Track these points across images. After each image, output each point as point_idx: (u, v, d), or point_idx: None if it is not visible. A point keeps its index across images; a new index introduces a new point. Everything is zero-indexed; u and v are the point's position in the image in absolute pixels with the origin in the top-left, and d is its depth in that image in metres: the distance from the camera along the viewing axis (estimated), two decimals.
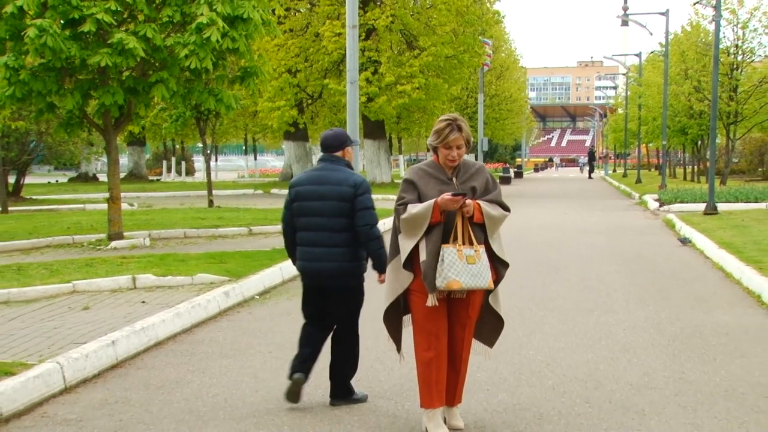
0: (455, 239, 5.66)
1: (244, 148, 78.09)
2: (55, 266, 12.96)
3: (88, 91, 15.57)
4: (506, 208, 5.91)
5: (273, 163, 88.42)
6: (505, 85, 68.63)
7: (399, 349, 6.11)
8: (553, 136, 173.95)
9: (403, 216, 5.73)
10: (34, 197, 34.09)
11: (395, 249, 5.87)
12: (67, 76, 15.46)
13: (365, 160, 42.98)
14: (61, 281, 11.39)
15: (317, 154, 71.61)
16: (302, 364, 6.73)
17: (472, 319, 5.89)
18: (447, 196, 5.56)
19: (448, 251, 5.59)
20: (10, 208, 26.46)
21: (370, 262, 6.74)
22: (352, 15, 24.63)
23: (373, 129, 41.43)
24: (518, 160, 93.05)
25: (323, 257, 6.66)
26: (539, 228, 21.08)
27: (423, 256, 5.66)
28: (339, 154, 6.87)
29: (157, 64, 15.63)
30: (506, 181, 52.34)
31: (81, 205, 29.32)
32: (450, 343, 5.84)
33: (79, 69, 15.19)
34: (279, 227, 19.23)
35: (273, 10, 21.25)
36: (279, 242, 16.37)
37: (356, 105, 25.41)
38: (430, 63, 37.20)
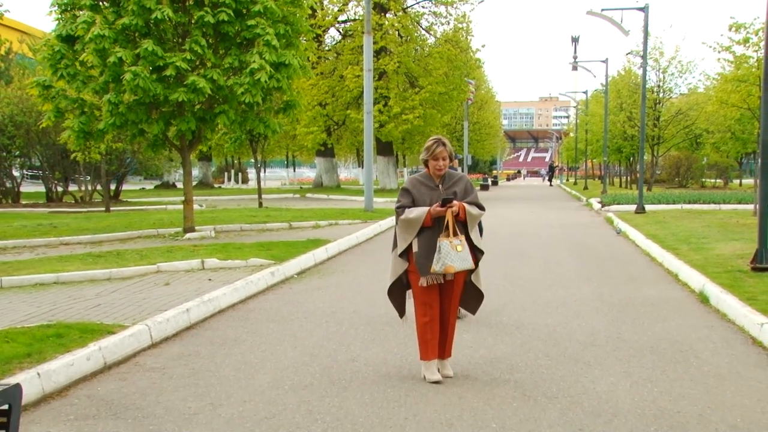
0: (447, 234, 5.64)
1: (285, 162, 78.05)
2: (144, 252, 12.98)
3: (169, 120, 15.60)
4: (482, 208, 5.91)
5: (308, 173, 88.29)
6: (484, 115, 68.50)
7: (401, 315, 6.12)
8: (520, 154, 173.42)
9: (402, 218, 5.75)
10: (129, 200, 34.18)
11: (395, 241, 5.92)
12: (153, 109, 15.48)
13: (378, 172, 42.89)
14: (148, 263, 11.41)
15: (341, 168, 71.65)
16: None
17: (456, 293, 5.90)
18: (438, 207, 5.62)
19: (444, 243, 5.58)
20: (111, 208, 26.55)
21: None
22: (368, 61, 24.71)
23: (384, 148, 41.39)
24: (494, 171, 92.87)
25: None
26: (510, 223, 21.04)
27: (415, 248, 5.72)
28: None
29: (220, 99, 15.63)
30: (485, 188, 52.14)
31: (163, 206, 29.37)
32: (441, 311, 5.86)
33: (163, 103, 15.21)
34: (312, 222, 19.25)
35: (308, 58, 21.26)
36: (313, 235, 16.50)
37: (371, 130, 25.51)
38: (427, 98, 37.27)
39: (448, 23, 40.48)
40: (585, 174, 60.58)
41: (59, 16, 15.17)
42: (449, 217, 5.65)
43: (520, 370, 6.19)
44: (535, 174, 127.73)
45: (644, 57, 25.84)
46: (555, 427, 4.86)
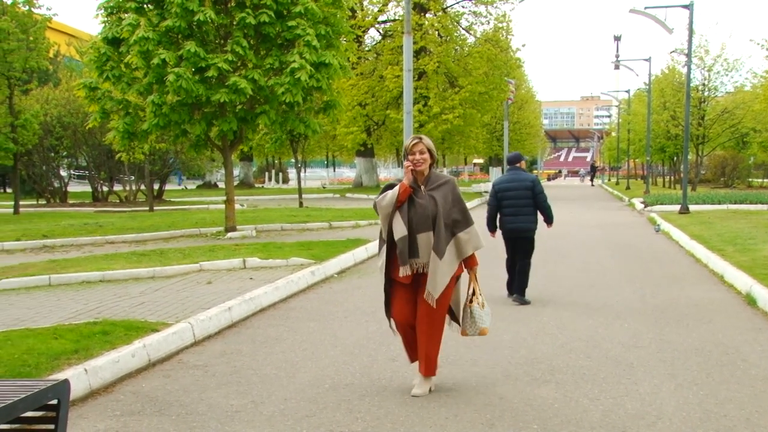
0: (474, 296, 5.64)
1: (325, 162, 78.41)
2: (187, 251, 13.14)
3: (211, 120, 15.78)
4: (471, 222, 5.56)
5: (347, 174, 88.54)
6: (524, 114, 68.06)
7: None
8: (561, 153, 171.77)
9: (378, 200, 5.45)
10: (171, 199, 34.62)
11: (381, 239, 5.60)
12: (196, 109, 15.67)
13: None
14: (191, 262, 11.55)
15: (381, 168, 71.53)
16: (513, 283, 9.35)
17: (422, 303, 5.45)
18: (408, 177, 5.42)
19: (475, 308, 5.61)
20: (155, 208, 26.92)
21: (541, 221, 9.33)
22: (408, 62, 24.64)
23: None
24: (535, 171, 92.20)
25: (522, 220, 9.22)
26: None
27: (396, 237, 5.37)
28: (518, 165, 9.45)
29: (261, 100, 15.77)
30: None
31: (205, 206, 29.70)
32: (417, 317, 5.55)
33: (205, 104, 15.39)
34: (352, 222, 19.36)
35: (348, 58, 21.33)
36: (353, 234, 16.53)
37: (411, 130, 25.39)
38: (467, 98, 37.12)
39: (488, 23, 40.33)
40: (627, 174, 59.82)
41: (105, 19, 15.45)
42: (474, 281, 5.65)
43: (561, 371, 6.13)
44: (576, 174, 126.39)
45: (689, 55, 25.44)
46: (597, 428, 4.81)
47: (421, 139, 5.53)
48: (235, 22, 15.10)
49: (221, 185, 50.59)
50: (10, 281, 10.01)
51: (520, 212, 9.21)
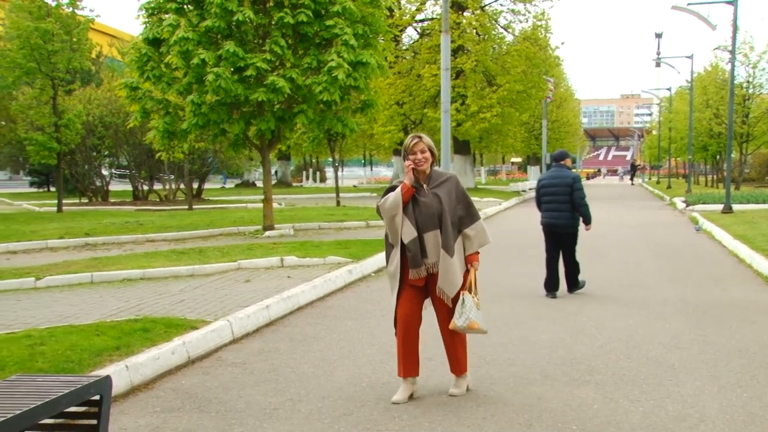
0: (471, 289, 5.36)
1: (362, 161, 78.56)
2: (226, 249, 13.26)
3: (249, 120, 15.90)
4: (477, 218, 5.46)
5: (384, 172, 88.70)
6: (563, 113, 67.52)
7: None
8: (600, 152, 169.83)
9: (381, 203, 5.37)
10: (210, 198, 34.96)
11: (387, 245, 5.49)
12: (234, 109, 15.80)
13: (455, 170, 42.69)
14: (229, 260, 11.65)
15: None
16: (552, 270, 9.57)
17: (440, 305, 5.40)
18: (409, 177, 5.32)
19: (467, 297, 5.30)
20: (194, 206, 27.21)
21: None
22: (446, 60, 24.58)
23: (461, 147, 41.16)
24: (573, 170, 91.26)
25: (557, 217, 9.50)
26: None
27: (405, 240, 5.26)
28: (562, 162, 9.75)
29: (299, 99, 15.84)
30: None
31: (243, 204, 29.94)
32: (439, 325, 5.52)
33: (243, 104, 15.52)
34: None
35: (386, 57, 21.35)
36: None
37: (448, 129, 25.34)
38: (505, 96, 36.93)
39: (527, 21, 40.05)
40: (668, 173, 58.99)
41: (146, 19, 15.66)
42: (472, 276, 5.41)
43: (600, 371, 6.07)
44: (615, 173, 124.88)
45: (733, 52, 25.00)
46: (638, 430, 4.75)
47: (421, 137, 5.41)
48: (273, 22, 15.20)
49: (259, 184, 50.96)
50: (53, 278, 10.20)
51: (558, 209, 9.50)
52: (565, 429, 4.79)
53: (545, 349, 6.77)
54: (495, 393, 5.53)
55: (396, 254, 5.38)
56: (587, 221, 9.53)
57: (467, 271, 5.42)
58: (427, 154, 5.36)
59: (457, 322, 5.30)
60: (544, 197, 9.65)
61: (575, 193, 9.42)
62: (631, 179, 70.29)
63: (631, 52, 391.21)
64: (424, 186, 5.37)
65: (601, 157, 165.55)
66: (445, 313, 5.39)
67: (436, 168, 5.51)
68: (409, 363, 5.41)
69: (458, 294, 5.34)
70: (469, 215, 5.44)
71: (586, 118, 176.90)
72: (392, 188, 5.43)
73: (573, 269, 9.65)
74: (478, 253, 5.47)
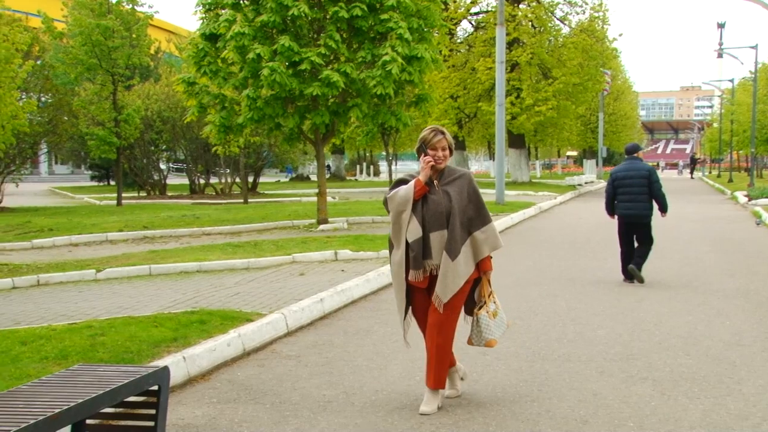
0: (483, 303, 5.13)
1: (416, 155, 78.48)
2: (280, 243, 13.38)
3: (304, 114, 15.99)
4: (488, 220, 5.14)
5: None
6: (620, 106, 66.52)
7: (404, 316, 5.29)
8: (659, 145, 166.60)
9: (390, 195, 5.07)
10: (265, 192, 35.33)
11: (391, 246, 5.18)
12: (289, 103, 15.92)
13: (509, 164, 42.35)
14: (284, 254, 11.75)
15: (472, 161, 70.96)
16: (627, 262, 10.06)
17: (432, 308, 5.04)
18: (425, 168, 4.98)
19: (482, 316, 5.11)
20: (249, 200, 27.54)
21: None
22: (501, 53, 24.46)
23: (516, 140, 40.82)
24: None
25: (634, 207, 9.95)
26: None
27: (410, 239, 4.97)
28: (636, 155, 10.21)
29: (353, 93, 15.88)
30: None
31: (298, 198, 30.17)
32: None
33: (298, 98, 15.61)
34: None
35: (440, 51, 21.27)
36: None
37: (503, 122, 25.28)
38: (560, 89, 36.51)
39: (584, 12, 39.55)
40: (730, 166, 57.59)
41: (203, 15, 15.87)
42: (485, 287, 5.14)
43: (658, 368, 5.96)
44: (674, 167, 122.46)
45: None
46: (697, 428, 4.65)
47: (444, 133, 5.08)
48: (328, 16, 15.25)
49: (313, 178, 51.29)
50: (113, 270, 10.43)
51: (635, 199, 9.95)
52: (621, 426, 4.72)
53: (602, 345, 6.68)
54: (550, 388, 5.48)
55: (396, 255, 5.06)
56: (664, 209, 10.12)
57: (480, 280, 5.16)
58: (447, 152, 5.08)
59: (475, 341, 5.21)
60: (619, 189, 10.06)
61: (654, 184, 9.91)
62: (691, 173, 68.81)
63: (691, 43, 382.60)
64: (435, 182, 5.07)
65: (660, 151, 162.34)
66: (436, 318, 5.00)
67: (449, 165, 5.19)
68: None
69: (458, 302, 5.02)
70: (480, 216, 5.10)
71: (644, 110, 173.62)
72: (402, 181, 5.16)
73: (646, 251, 10.09)
74: (491, 258, 5.18)
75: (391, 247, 5.15)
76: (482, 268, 5.12)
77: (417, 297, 5.15)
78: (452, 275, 4.90)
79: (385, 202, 5.14)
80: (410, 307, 5.24)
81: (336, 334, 7.29)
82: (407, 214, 4.97)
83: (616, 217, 10.26)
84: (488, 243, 5.10)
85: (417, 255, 4.94)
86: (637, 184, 9.94)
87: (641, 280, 9.88)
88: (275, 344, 6.89)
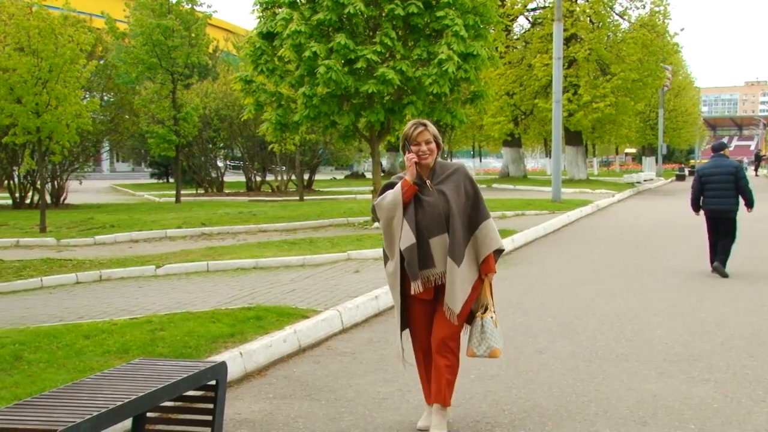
0: (486, 306, 4.59)
1: (471, 152, 78.03)
2: (335, 240, 13.45)
3: (359, 111, 16.05)
4: (486, 216, 4.60)
5: (494, 164, 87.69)
6: (681, 102, 65.14)
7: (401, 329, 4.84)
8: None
9: (377, 202, 4.58)
10: (321, 189, 35.56)
11: (385, 257, 4.69)
12: (345, 101, 15.99)
13: (566, 162, 41.88)
14: (339, 251, 11.81)
15: (528, 158, 70.39)
16: (715, 257, 10.42)
17: (440, 316, 4.54)
18: (411, 171, 4.48)
19: (487, 322, 4.56)
20: (305, 197, 27.76)
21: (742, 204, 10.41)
22: (558, 50, 24.18)
23: (573, 138, 40.33)
24: (692, 161, 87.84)
25: (722, 203, 10.37)
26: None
27: (402, 247, 4.46)
28: (722, 152, 10.76)
29: (408, 91, 15.88)
30: (681, 178, 49.56)
31: (353, 196, 30.27)
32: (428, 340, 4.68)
33: (353, 95, 15.68)
34: (499, 213, 19.10)
35: (496, 48, 21.13)
36: (499, 225, 16.22)
37: (560, 119, 24.98)
38: (619, 85, 35.88)
39: (644, 7, 38.82)
40: None
41: (260, 14, 16.06)
42: (487, 289, 4.62)
43: (720, 369, 5.83)
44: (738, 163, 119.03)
45: None
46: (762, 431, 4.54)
47: (426, 125, 4.53)
48: (384, 14, 15.27)
49: (368, 175, 51.43)
50: (172, 267, 10.63)
51: (723, 195, 10.37)
52: (682, 428, 4.63)
53: (662, 345, 6.55)
54: (607, 389, 5.40)
55: (390, 266, 4.59)
56: (751, 205, 10.52)
57: (481, 282, 4.63)
58: (433, 146, 4.52)
59: (477, 350, 4.59)
60: (706, 185, 10.50)
61: (740, 180, 10.35)
62: (756, 170, 67.06)
63: (756, 37, 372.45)
64: (427, 182, 4.54)
65: None
66: (448, 331, 4.52)
67: (440, 160, 4.65)
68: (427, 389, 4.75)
69: (466, 311, 4.56)
70: (478, 213, 4.59)
71: (706, 106, 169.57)
72: (389, 185, 4.62)
73: (728, 248, 10.44)
74: (492, 257, 4.63)
75: (386, 259, 4.66)
76: (484, 270, 4.61)
77: (417, 309, 4.64)
78: (460, 282, 4.45)
79: (373, 210, 4.69)
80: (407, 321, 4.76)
81: (391, 331, 7.29)
82: (398, 219, 4.47)
83: (701, 212, 10.70)
84: (488, 241, 4.59)
85: (411, 263, 4.44)
86: (723, 180, 10.38)
87: (725, 275, 10.16)
88: (330, 341, 6.93)
